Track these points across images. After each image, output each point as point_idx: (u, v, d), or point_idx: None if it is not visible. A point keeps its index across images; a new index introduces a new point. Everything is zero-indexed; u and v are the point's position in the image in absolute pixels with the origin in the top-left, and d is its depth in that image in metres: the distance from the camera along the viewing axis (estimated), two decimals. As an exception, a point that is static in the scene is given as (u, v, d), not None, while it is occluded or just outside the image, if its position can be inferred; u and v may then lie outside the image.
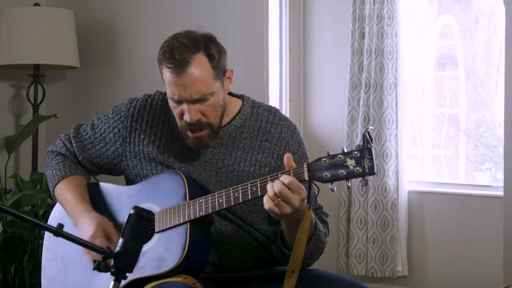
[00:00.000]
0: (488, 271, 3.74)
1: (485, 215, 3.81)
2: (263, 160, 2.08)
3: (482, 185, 3.97)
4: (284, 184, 1.78)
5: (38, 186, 3.52)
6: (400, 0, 3.96)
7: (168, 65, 1.97)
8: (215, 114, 2.02)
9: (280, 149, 2.10)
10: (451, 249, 3.92)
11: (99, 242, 2.00)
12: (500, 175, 3.84)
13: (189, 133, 2.03)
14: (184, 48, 1.97)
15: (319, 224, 1.99)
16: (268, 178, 1.83)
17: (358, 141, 4.02)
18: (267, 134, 2.11)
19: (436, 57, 4.27)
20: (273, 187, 1.79)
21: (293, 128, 2.14)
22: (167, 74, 1.98)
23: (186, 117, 1.99)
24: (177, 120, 2.04)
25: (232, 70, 2.08)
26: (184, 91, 1.96)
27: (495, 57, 4.13)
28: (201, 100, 1.98)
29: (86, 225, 2.05)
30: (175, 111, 2.03)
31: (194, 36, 2.00)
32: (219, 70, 2.01)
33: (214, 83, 1.99)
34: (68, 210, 2.14)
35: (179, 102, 1.99)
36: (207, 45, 1.99)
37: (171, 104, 2.03)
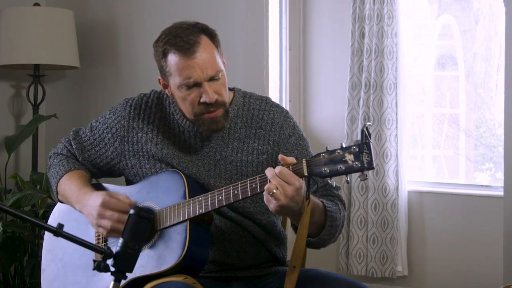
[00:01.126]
0: (488, 271, 3.74)
1: (485, 215, 3.80)
2: (260, 147, 2.09)
3: (482, 185, 3.97)
4: (276, 174, 1.79)
5: (38, 186, 3.52)
6: (400, 0, 3.96)
7: (178, 49, 1.98)
8: (226, 93, 2.05)
9: (275, 134, 2.11)
10: (451, 249, 3.91)
11: (113, 203, 2.00)
12: (500, 175, 3.84)
13: (206, 116, 2.03)
14: (187, 31, 2.00)
15: (328, 204, 1.98)
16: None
17: (358, 141, 4.01)
18: (261, 121, 2.12)
19: (436, 57, 4.27)
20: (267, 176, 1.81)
21: (286, 113, 2.17)
22: (177, 59, 1.99)
23: (206, 98, 1.99)
24: (192, 108, 2.03)
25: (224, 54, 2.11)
26: (201, 70, 1.98)
27: (495, 57, 4.12)
28: (215, 78, 2.00)
29: (93, 198, 2.05)
30: (190, 98, 2.02)
31: (190, 23, 2.04)
32: (220, 51, 2.05)
33: (220, 61, 2.03)
34: (72, 199, 2.13)
35: (196, 84, 1.99)
36: (204, 27, 2.04)
37: (184, 92, 2.02)
